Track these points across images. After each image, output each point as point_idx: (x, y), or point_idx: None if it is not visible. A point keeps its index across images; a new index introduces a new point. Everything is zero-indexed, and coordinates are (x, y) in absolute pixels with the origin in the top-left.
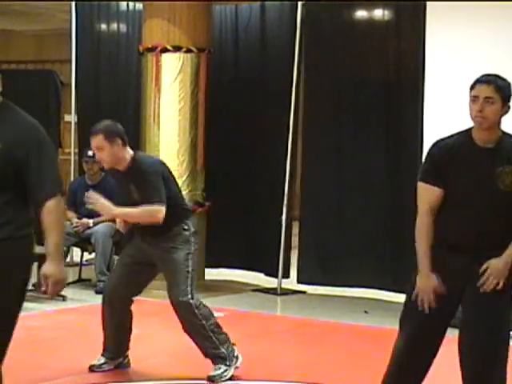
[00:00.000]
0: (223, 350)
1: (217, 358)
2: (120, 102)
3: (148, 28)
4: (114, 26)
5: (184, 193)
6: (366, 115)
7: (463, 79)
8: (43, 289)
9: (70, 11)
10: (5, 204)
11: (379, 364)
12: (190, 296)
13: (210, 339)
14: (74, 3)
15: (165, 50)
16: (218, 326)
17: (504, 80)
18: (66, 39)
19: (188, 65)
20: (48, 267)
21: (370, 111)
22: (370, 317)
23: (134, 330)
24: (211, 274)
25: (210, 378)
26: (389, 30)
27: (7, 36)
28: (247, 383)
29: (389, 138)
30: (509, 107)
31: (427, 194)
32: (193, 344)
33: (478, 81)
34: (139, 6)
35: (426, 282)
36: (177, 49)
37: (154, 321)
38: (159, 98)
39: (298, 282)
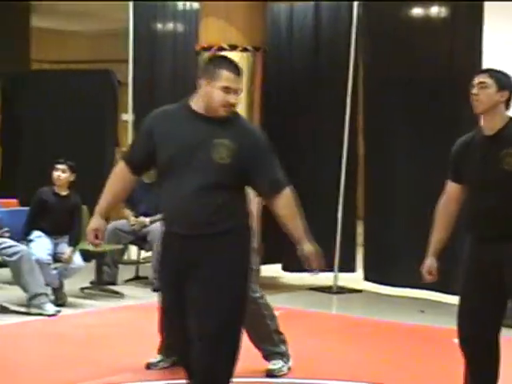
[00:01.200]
0: (282, 347)
1: (274, 355)
2: (176, 100)
3: (204, 27)
4: (171, 25)
5: None
6: (423, 114)
7: None
8: (309, 266)
9: (128, 11)
10: (218, 199)
11: (434, 363)
12: (258, 294)
13: (271, 339)
14: (131, 3)
15: (221, 49)
16: (278, 326)
17: (504, 73)
18: (122, 39)
19: (244, 64)
20: (307, 246)
21: (426, 110)
22: (426, 315)
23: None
24: (267, 271)
25: (269, 372)
26: (445, 27)
27: (65, 36)
28: (302, 381)
29: (446, 136)
30: (510, 94)
31: (447, 188)
32: None
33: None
34: (196, 5)
35: (425, 262)
36: (233, 48)
37: None
38: None
39: (365, 279)
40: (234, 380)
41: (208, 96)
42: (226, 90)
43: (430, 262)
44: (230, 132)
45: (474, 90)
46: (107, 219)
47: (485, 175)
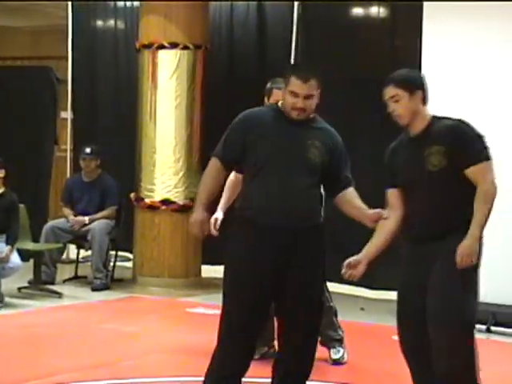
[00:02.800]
0: (341, 333)
1: (334, 341)
2: (116, 98)
3: (145, 25)
4: (111, 22)
5: (180, 189)
6: (362, 114)
7: (460, 77)
8: None
9: (67, 8)
10: (315, 196)
11: (374, 360)
12: None
13: (333, 324)
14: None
15: (161, 47)
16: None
17: (407, 71)
18: (63, 36)
19: (184, 61)
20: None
21: (365, 110)
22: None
23: (131, 328)
24: (208, 270)
25: (335, 361)
26: (385, 27)
27: (3, 32)
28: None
29: (386, 135)
30: (423, 92)
31: (388, 196)
32: (189, 341)
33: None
34: (136, 3)
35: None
36: (173, 45)
37: (150, 318)
38: (155, 95)
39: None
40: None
41: (284, 100)
42: (294, 94)
43: (354, 257)
44: (318, 134)
45: (390, 108)
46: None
47: (412, 176)
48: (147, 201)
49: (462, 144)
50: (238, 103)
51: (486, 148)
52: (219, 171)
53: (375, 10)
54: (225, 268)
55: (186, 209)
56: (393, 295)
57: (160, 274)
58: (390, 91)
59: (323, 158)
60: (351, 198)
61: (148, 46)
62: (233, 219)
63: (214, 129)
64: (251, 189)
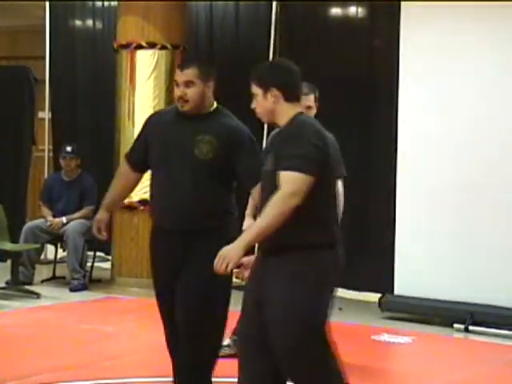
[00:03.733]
0: None
1: None
2: (95, 98)
3: (122, 25)
4: (90, 22)
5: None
6: (342, 114)
7: (437, 78)
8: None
9: (45, 7)
10: (208, 194)
11: (353, 360)
12: None
13: None
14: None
15: (139, 47)
16: None
17: (265, 66)
18: (41, 36)
19: (162, 62)
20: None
21: (344, 110)
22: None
23: (110, 328)
24: None
25: None
26: (363, 28)
27: None
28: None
29: (363, 135)
30: (279, 90)
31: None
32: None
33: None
34: (114, 3)
35: None
36: (151, 45)
37: (129, 318)
38: (134, 95)
39: None
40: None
41: None
42: (176, 84)
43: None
44: (213, 128)
45: (252, 104)
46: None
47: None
48: (125, 201)
49: None
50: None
51: None
52: (127, 172)
53: (353, 10)
54: None
55: None
56: (370, 296)
57: (139, 274)
58: (253, 87)
59: (216, 152)
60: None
61: (126, 46)
62: None
63: None
64: (151, 189)
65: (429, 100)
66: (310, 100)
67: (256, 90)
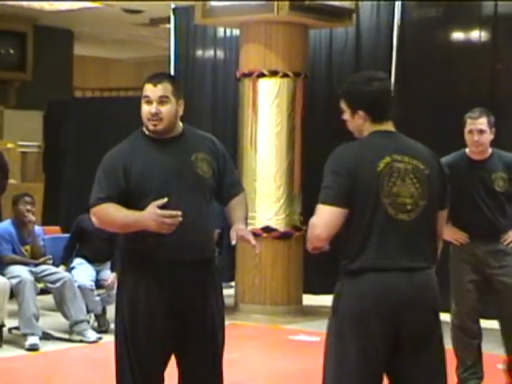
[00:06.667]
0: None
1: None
2: (217, 127)
3: (245, 53)
4: (211, 52)
5: (281, 217)
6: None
7: None
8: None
9: (169, 39)
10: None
11: None
12: None
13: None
14: (172, 31)
15: (261, 75)
16: None
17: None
18: (165, 66)
19: (284, 89)
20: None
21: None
22: None
23: (234, 355)
24: (308, 298)
25: None
26: (485, 52)
27: (108, 64)
28: None
29: None
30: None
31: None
32: (289, 369)
33: None
34: (236, 31)
35: None
36: (273, 74)
37: (252, 345)
38: (256, 123)
39: None
40: None
41: (142, 114)
42: (147, 99)
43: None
44: (197, 144)
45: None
46: None
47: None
48: (248, 228)
49: None
50: (337, 130)
51: None
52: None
53: (476, 35)
54: None
55: (287, 236)
56: None
57: (262, 301)
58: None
59: (212, 167)
60: (232, 207)
61: (248, 75)
62: None
63: (314, 156)
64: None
65: None
66: (480, 124)
67: (344, 107)
